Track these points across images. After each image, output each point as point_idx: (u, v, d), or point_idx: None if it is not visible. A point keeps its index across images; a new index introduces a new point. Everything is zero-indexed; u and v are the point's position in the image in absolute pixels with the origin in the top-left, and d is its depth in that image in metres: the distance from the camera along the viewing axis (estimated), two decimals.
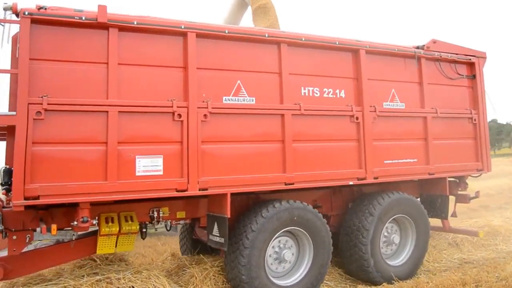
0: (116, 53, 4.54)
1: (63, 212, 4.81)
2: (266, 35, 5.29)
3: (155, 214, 5.15)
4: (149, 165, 4.68)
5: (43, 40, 4.33)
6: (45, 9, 4.31)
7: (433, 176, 6.50)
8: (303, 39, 5.51)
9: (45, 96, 4.25)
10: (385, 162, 6.06)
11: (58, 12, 4.35)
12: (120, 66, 4.57)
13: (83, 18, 4.43)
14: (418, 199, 7.08)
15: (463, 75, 6.96)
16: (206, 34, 4.97)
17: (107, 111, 4.46)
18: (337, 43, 5.73)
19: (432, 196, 6.92)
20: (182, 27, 4.83)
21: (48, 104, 4.26)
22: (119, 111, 4.50)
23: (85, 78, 4.44)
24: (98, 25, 4.49)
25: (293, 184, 5.32)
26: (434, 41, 6.66)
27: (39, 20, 4.30)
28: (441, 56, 6.66)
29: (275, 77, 5.36)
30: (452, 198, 7.24)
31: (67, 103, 4.33)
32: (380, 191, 6.24)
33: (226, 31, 5.05)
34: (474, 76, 7.06)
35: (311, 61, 5.62)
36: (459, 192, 7.25)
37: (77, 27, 4.45)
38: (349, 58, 5.90)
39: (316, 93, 5.60)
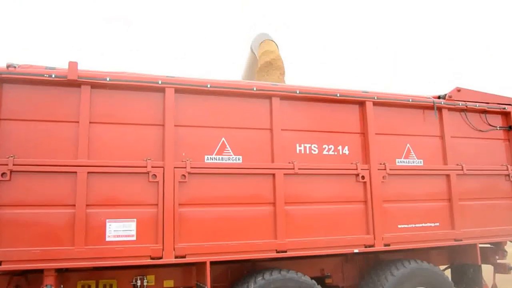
0: (87, 111, 4.36)
1: (38, 278, 4.56)
2: (254, 89, 4.93)
3: (139, 283, 4.77)
4: (120, 229, 4.37)
5: (12, 99, 4.25)
6: (15, 67, 4.25)
7: (461, 242, 5.67)
8: (298, 91, 5.10)
9: (11, 156, 4.13)
10: (399, 226, 5.36)
11: (28, 71, 4.27)
12: (92, 125, 4.37)
13: (53, 76, 4.32)
14: (448, 268, 6.22)
15: (496, 127, 6.18)
16: (186, 89, 4.70)
17: (75, 172, 4.25)
18: (337, 95, 5.26)
19: (464, 266, 6.03)
20: (160, 82, 4.59)
21: (14, 165, 4.12)
22: (88, 172, 4.28)
23: (54, 137, 4.27)
24: (69, 82, 4.35)
25: (285, 251, 4.78)
26: (459, 90, 6.00)
27: (9, 79, 4.23)
28: (467, 106, 5.96)
29: (265, 134, 4.96)
30: (491, 268, 6.29)
31: (33, 164, 4.17)
32: (397, 260, 5.50)
33: (208, 85, 4.76)
34: (510, 128, 6.25)
35: (308, 115, 5.18)
36: (497, 261, 6.28)
37: (47, 85, 4.34)
38: (353, 111, 5.39)
39: (314, 150, 5.12)
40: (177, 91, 4.66)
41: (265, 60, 7.05)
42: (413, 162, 5.57)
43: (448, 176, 5.70)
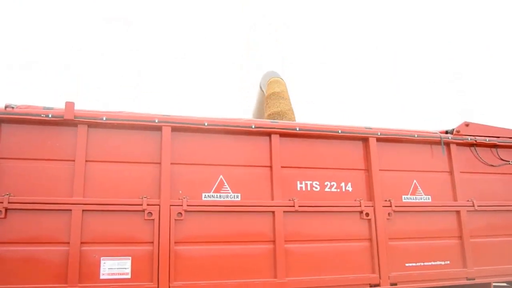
0: (83, 150, 4.39)
1: None
2: (253, 126, 4.90)
3: None
4: (115, 267, 4.31)
5: (10, 139, 4.31)
6: (13, 108, 4.34)
7: (474, 281, 5.40)
8: (298, 128, 5.04)
9: (7, 194, 4.16)
10: (407, 265, 5.16)
11: (26, 111, 4.34)
12: (88, 163, 4.40)
13: (50, 116, 4.38)
14: None
15: (508, 161, 5.97)
16: (183, 127, 4.70)
17: (70, 210, 4.25)
18: (339, 131, 5.18)
19: None
20: (156, 121, 4.61)
21: (9, 203, 4.15)
22: (83, 210, 4.27)
23: (51, 176, 4.31)
24: (66, 122, 4.41)
25: None
26: (467, 124, 5.84)
27: (7, 120, 4.31)
28: (476, 141, 5.79)
29: (265, 171, 4.89)
30: None
31: (28, 202, 4.19)
32: None
33: (206, 124, 4.75)
34: None
35: (310, 152, 5.10)
36: None
37: (45, 124, 4.40)
38: (356, 147, 5.29)
39: (316, 187, 5.01)
40: (174, 129, 4.66)
41: (271, 92, 7.05)
42: (421, 199, 5.40)
43: (458, 212, 5.49)
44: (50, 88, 16.54)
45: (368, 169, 5.24)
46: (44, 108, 4.46)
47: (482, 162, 5.81)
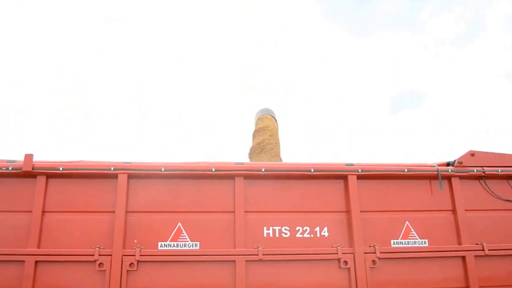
0: (41, 201, 4.44)
1: None
2: (213, 170, 4.66)
3: None
4: None
5: None
6: None
7: None
8: (263, 169, 4.72)
9: None
10: None
11: None
12: (45, 214, 4.44)
13: (10, 169, 4.51)
14: None
15: None
16: (140, 174, 4.60)
17: (23, 261, 4.28)
18: (312, 170, 4.76)
19: None
20: (112, 168, 4.56)
21: None
22: (36, 261, 4.29)
23: (7, 227, 4.40)
24: (25, 174, 4.51)
25: None
26: (472, 153, 5.11)
27: None
28: (485, 172, 5.03)
29: (227, 217, 4.60)
30: None
31: None
32: None
33: (163, 169, 4.60)
34: None
35: (278, 194, 4.73)
36: None
37: (7, 177, 4.54)
38: (334, 186, 4.82)
39: (285, 233, 4.61)
40: (131, 176, 4.57)
41: (257, 142, 6.92)
42: (415, 243, 4.75)
43: (463, 258, 4.75)
44: (50, 88, 16.77)
45: (348, 211, 4.74)
46: (8, 161, 4.61)
47: (494, 197, 5.02)
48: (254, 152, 6.94)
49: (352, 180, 4.78)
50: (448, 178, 4.99)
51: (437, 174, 4.95)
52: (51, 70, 17.47)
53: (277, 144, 7.01)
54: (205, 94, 17.46)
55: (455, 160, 5.10)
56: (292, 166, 4.80)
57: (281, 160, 6.92)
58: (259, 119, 7.34)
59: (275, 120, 7.51)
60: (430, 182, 4.99)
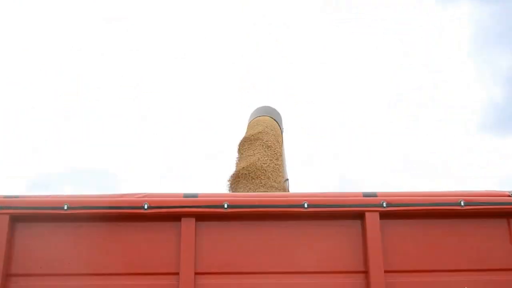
0: None
1: None
2: (146, 207, 2.90)
3: None
4: None
5: None
6: None
7: None
8: (226, 205, 2.91)
9: None
10: None
11: None
12: None
13: None
14: None
15: None
16: (28, 215, 2.97)
17: None
18: (305, 205, 2.90)
19: None
20: None
21: None
22: None
23: None
24: None
25: None
26: None
27: None
28: None
29: (167, 282, 2.86)
30: None
31: None
32: None
33: (66, 207, 2.92)
34: None
35: (251, 245, 2.92)
36: None
37: None
38: (344, 230, 2.94)
39: None
40: (14, 219, 2.93)
41: (249, 133, 5.20)
42: None
43: None
44: (50, 88, 16.48)
45: (366, 271, 2.89)
46: None
47: None
48: (244, 146, 5.25)
49: (372, 220, 2.92)
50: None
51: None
52: (51, 70, 17.48)
53: (277, 143, 5.36)
54: (205, 94, 16.82)
55: None
56: (274, 198, 3.01)
57: (282, 172, 5.16)
58: (252, 123, 5.63)
59: (279, 125, 5.79)
60: (509, 222, 3.05)
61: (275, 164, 5.16)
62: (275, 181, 5.10)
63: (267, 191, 4.75)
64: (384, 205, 2.94)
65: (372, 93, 17.20)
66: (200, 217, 2.96)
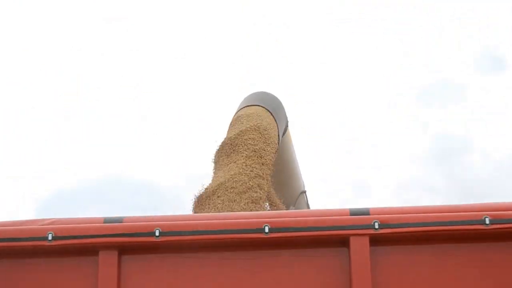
0: None
1: None
2: (50, 238, 2.15)
3: None
4: None
5: None
6: None
7: None
8: (158, 233, 2.13)
9: None
10: None
11: None
12: None
13: None
14: None
15: None
16: None
17: None
18: (266, 229, 2.08)
19: None
20: None
21: None
22: None
23: None
24: None
25: None
26: None
27: None
28: None
29: None
30: None
31: None
32: None
33: None
34: None
35: (199, 280, 2.16)
36: None
37: None
38: (324, 262, 2.14)
39: None
40: None
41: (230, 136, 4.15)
42: None
43: None
44: (50, 88, 16.28)
45: None
46: None
47: None
48: (221, 154, 4.21)
49: (359, 247, 2.10)
50: None
51: None
52: (51, 70, 16.90)
53: (267, 147, 4.15)
54: (205, 94, 16.31)
55: None
56: (223, 221, 2.20)
57: (268, 174, 4.03)
58: (234, 119, 4.56)
59: (275, 118, 4.46)
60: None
61: (263, 176, 4.00)
62: (268, 198, 4.13)
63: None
64: (376, 227, 2.11)
65: (372, 93, 16.96)
66: (125, 249, 2.18)
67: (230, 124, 4.50)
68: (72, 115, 15.95)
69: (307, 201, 4.72)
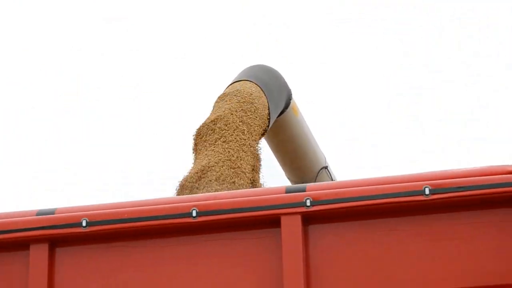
0: None
1: None
2: None
3: None
4: None
5: None
6: None
7: None
8: (85, 222, 2.12)
9: None
10: None
11: None
12: None
13: None
14: None
15: None
16: None
17: None
18: (194, 213, 2.04)
19: None
20: None
21: None
22: None
23: None
24: None
25: None
26: None
27: None
28: None
29: None
30: None
31: None
32: None
33: None
34: None
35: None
36: None
37: None
38: (251, 245, 2.05)
39: None
40: None
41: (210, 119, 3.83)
42: None
43: None
44: (50, 88, 15.87)
45: None
46: None
47: None
48: (200, 138, 3.88)
49: (290, 227, 2.00)
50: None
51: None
52: (51, 70, 16.54)
53: (252, 129, 3.73)
54: (205, 94, 16.25)
55: None
56: (148, 208, 2.13)
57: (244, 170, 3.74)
58: (218, 100, 4.19)
59: (265, 94, 4.02)
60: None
61: (245, 162, 3.85)
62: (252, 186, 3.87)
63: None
64: (308, 204, 2.00)
65: (372, 93, 16.28)
66: (56, 242, 2.13)
67: (215, 103, 4.13)
68: (72, 115, 15.72)
69: (331, 176, 4.51)
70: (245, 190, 2.35)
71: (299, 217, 1.99)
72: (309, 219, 2.01)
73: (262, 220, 2.04)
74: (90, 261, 2.12)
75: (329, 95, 16.68)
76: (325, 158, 4.81)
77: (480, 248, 1.91)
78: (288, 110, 4.45)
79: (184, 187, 3.60)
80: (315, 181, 4.33)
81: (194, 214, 2.03)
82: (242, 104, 3.84)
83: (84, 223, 2.08)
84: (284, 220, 1.99)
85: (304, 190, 2.06)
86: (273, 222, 2.02)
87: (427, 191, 1.93)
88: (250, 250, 2.04)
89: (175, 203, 2.10)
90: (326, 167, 4.69)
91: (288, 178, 4.69)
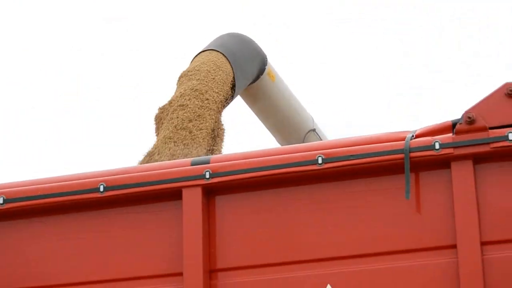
0: None
1: None
2: None
3: None
4: None
5: None
6: None
7: None
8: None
9: None
10: None
11: None
12: None
13: None
14: None
15: None
16: None
17: None
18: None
19: None
20: None
21: None
22: None
23: None
24: None
25: None
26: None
27: None
28: None
29: None
30: None
31: None
32: None
33: None
34: None
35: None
36: None
37: None
38: (155, 218, 2.12)
39: None
40: None
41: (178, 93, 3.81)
42: None
43: None
44: (50, 88, 15.76)
45: (182, 272, 2.01)
46: None
47: None
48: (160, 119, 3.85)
49: (191, 199, 2.06)
50: (443, 162, 2.01)
51: (403, 156, 2.00)
52: (51, 70, 16.46)
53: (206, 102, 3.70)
54: None
55: (455, 122, 2.09)
56: (58, 184, 2.20)
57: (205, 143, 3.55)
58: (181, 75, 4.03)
59: (232, 66, 4.03)
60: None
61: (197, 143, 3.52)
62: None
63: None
64: (207, 176, 2.06)
65: (372, 93, 16.22)
66: None
67: (178, 81, 4.09)
68: (72, 115, 15.58)
69: (320, 138, 4.44)
70: (153, 164, 2.41)
71: (199, 189, 2.04)
72: (210, 191, 2.07)
73: (165, 193, 2.10)
74: (8, 237, 2.20)
75: (329, 95, 16.52)
76: (313, 121, 4.76)
77: (371, 215, 1.95)
78: (263, 76, 4.42)
79: (148, 154, 3.63)
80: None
81: (101, 189, 2.11)
82: (201, 80, 3.82)
83: (1, 201, 2.18)
84: (185, 193, 2.05)
85: (208, 162, 2.11)
86: (175, 194, 2.08)
87: (320, 160, 1.97)
88: (154, 223, 2.09)
89: (84, 179, 2.18)
90: (314, 130, 4.63)
91: (279, 144, 4.60)
